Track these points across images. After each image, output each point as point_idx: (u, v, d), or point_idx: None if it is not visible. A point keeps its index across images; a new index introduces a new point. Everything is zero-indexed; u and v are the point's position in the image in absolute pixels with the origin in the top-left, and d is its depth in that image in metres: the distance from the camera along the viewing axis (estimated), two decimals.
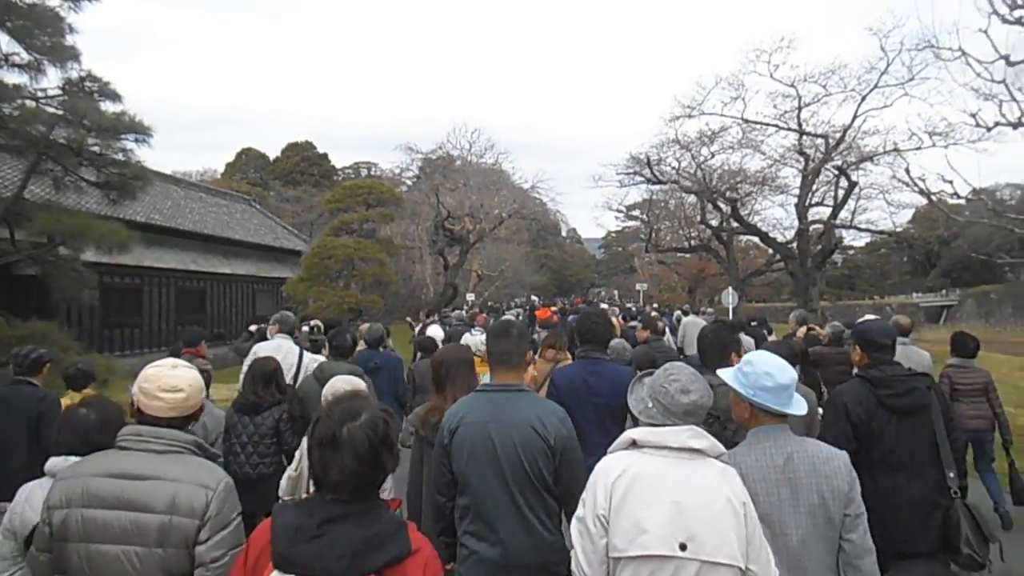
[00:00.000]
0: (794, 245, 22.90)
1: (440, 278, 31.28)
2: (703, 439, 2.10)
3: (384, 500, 1.76)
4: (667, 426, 2.12)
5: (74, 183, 7.74)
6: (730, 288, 21.89)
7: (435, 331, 8.37)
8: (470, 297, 33.56)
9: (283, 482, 3.39)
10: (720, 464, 2.11)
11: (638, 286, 41.24)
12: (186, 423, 2.27)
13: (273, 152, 57.65)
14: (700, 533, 1.97)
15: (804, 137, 21.21)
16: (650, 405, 2.19)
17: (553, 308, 19.82)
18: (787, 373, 2.36)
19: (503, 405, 2.71)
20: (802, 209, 21.73)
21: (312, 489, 1.79)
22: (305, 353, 5.67)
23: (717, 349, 3.49)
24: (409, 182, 32.28)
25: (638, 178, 25.12)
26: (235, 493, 2.19)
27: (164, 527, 2.02)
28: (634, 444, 2.15)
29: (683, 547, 1.96)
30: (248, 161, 57.76)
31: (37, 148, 6.89)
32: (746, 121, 21.94)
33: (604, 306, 24.15)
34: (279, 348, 5.47)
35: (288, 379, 5.15)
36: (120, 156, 7.49)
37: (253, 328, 7.54)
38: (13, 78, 7.70)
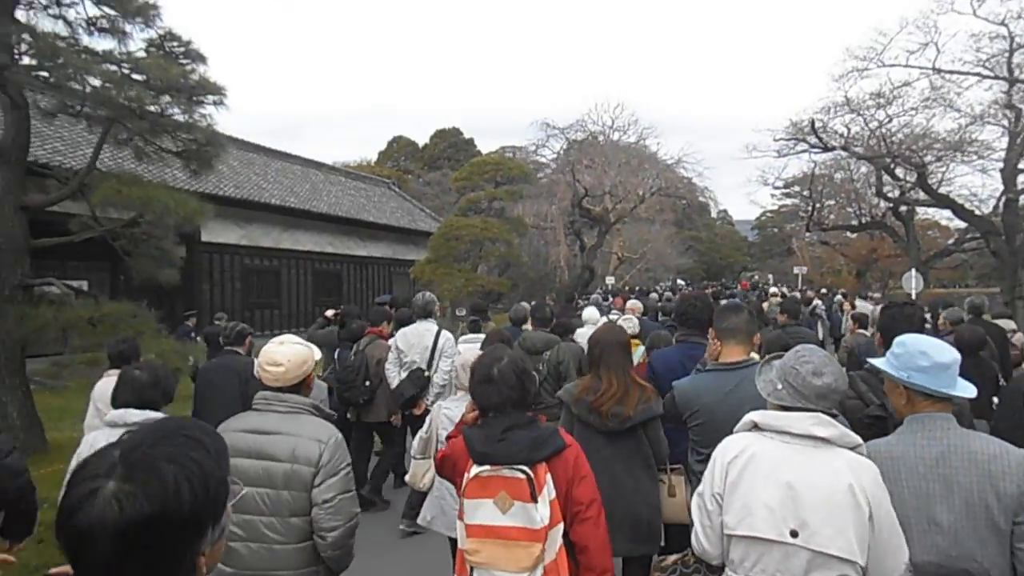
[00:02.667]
0: (998, 219, 19.07)
1: (576, 260, 29.80)
2: (829, 428, 2.03)
3: (537, 414, 2.47)
4: (795, 410, 2.08)
5: (156, 153, 7.14)
6: (912, 270, 18.59)
7: (591, 313, 8.34)
8: (610, 280, 31.82)
9: (415, 442, 3.75)
10: (850, 454, 2.01)
11: (796, 269, 37.22)
12: (299, 390, 2.66)
13: (423, 140, 58.80)
14: (814, 522, 1.94)
15: (1016, 87, 17.40)
16: (779, 387, 2.13)
17: (708, 291, 17.89)
18: (946, 352, 2.12)
19: (742, 380, 2.83)
20: (1010, 174, 17.93)
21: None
22: (444, 332, 5.90)
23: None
24: (544, 159, 30.85)
25: (800, 146, 22.00)
26: (344, 446, 2.59)
27: (287, 473, 2.47)
28: (756, 427, 2.13)
29: (794, 534, 1.95)
30: (399, 149, 59.33)
31: (114, 114, 6.27)
32: (938, 72, 18.38)
33: (773, 289, 21.54)
34: (417, 330, 5.81)
35: (425, 362, 5.67)
36: (199, 121, 6.75)
37: (330, 314, 6.62)
38: (103, 44, 7.18)
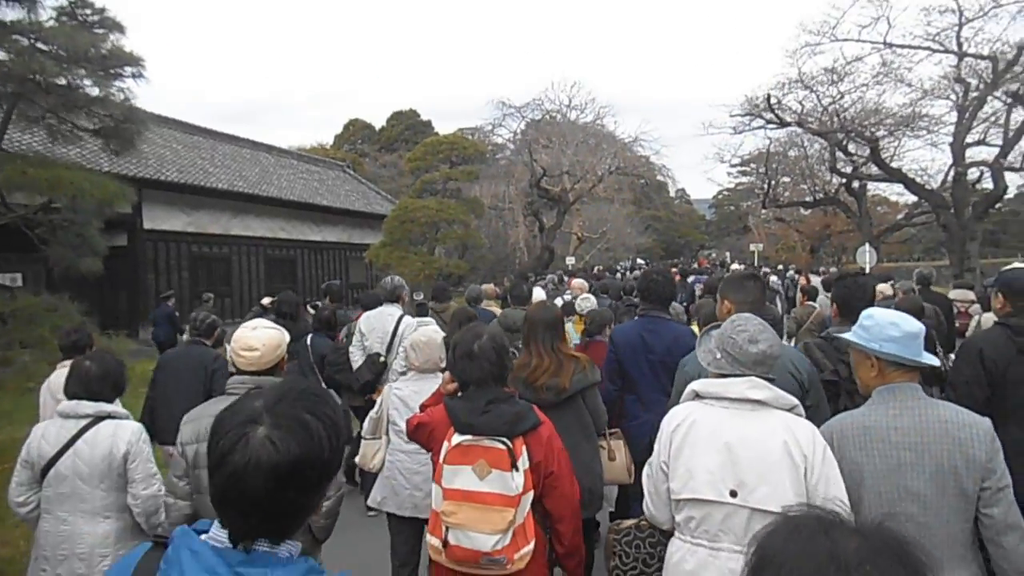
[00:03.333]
0: (947, 193, 19.41)
1: (536, 241, 29.56)
2: (764, 390, 2.11)
3: (512, 391, 2.68)
4: (732, 377, 2.14)
5: (71, 132, 6.59)
6: (866, 245, 18.84)
7: (538, 293, 8.33)
8: (570, 261, 31.64)
9: (365, 423, 3.72)
10: (787, 415, 2.11)
11: (752, 246, 37.67)
12: (273, 373, 2.70)
13: (379, 122, 57.54)
14: (750, 480, 2.01)
15: (964, 61, 17.63)
16: (718, 356, 2.19)
17: (673, 268, 17.82)
18: (913, 322, 2.18)
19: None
20: (958, 149, 18.22)
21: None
22: (406, 317, 5.68)
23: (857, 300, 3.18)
24: (501, 139, 30.31)
25: (756, 122, 22.05)
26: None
27: None
28: (697, 396, 2.22)
29: (733, 493, 2.03)
30: (355, 132, 57.85)
31: (19, 88, 5.71)
32: (889, 46, 18.52)
33: (736, 266, 21.56)
34: (381, 314, 5.60)
35: (385, 343, 5.44)
36: (114, 95, 6.22)
37: (266, 302, 6.25)
38: (11, 14, 6.58)
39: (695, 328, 4.86)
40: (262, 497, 1.07)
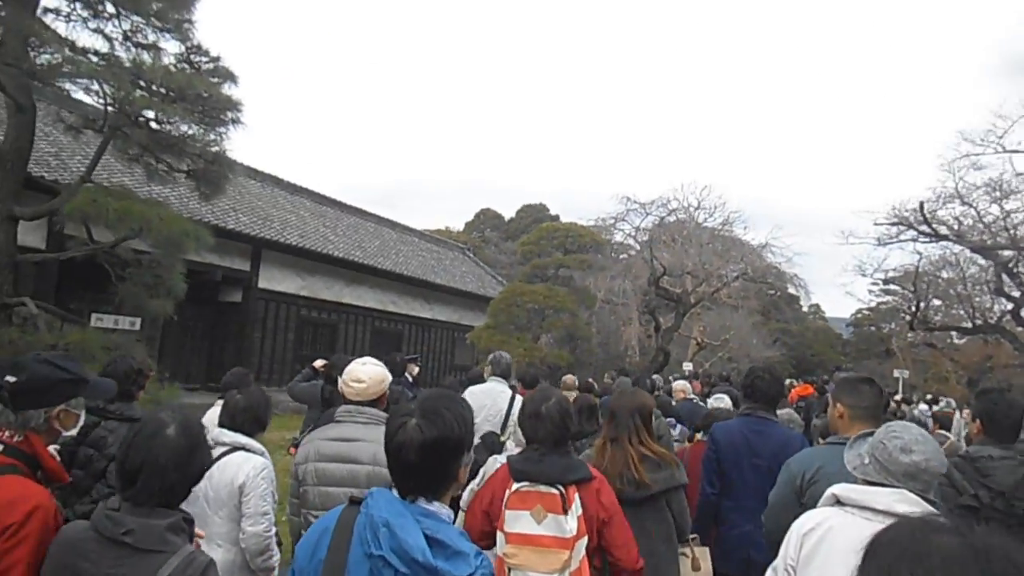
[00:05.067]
0: None
1: (651, 342, 28.10)
2: (914, 506, 1.93)
3: (570, 449, 2.88)
4: (881, 486, 2.02)
5: (167, 173, 6.54)
6: None
7: (682, 384, 8.59)
8: (687, 367, 29.75)
9: (465, 494, 3.67)
10: None
11: (896, 372, 33.74)
12: (376, 404, 2.99)
13: (509, 214, 59.26)
14: None
15: None
16: (866, 461, 2.14)
17: (812, 385, 16.13)
18: None
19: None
20: None
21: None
22: (517, 396, 5.48)
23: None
24: (623, 234, 29.53)
25: (904, 235, 20.05)
26: None
27: (370, 474, 2.78)
28: (837, 501, 2.10)
29: None
30: (485, 221, 59.89)
31: (115, 122, 5.69)
32: None
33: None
34: (491, 391, 5.43)
35: (498, 424, 5.27)
36: (210, 139, 6.11)
37: (318, 364, 5.64)
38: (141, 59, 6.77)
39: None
40: (415, 464, 1.60)
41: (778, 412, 4.72)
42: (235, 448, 3.08)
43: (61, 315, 6.71)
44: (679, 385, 8.96)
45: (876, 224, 20.11)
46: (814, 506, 2.74)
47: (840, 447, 2.87)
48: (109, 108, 5.76)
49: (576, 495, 2.64)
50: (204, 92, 5.82)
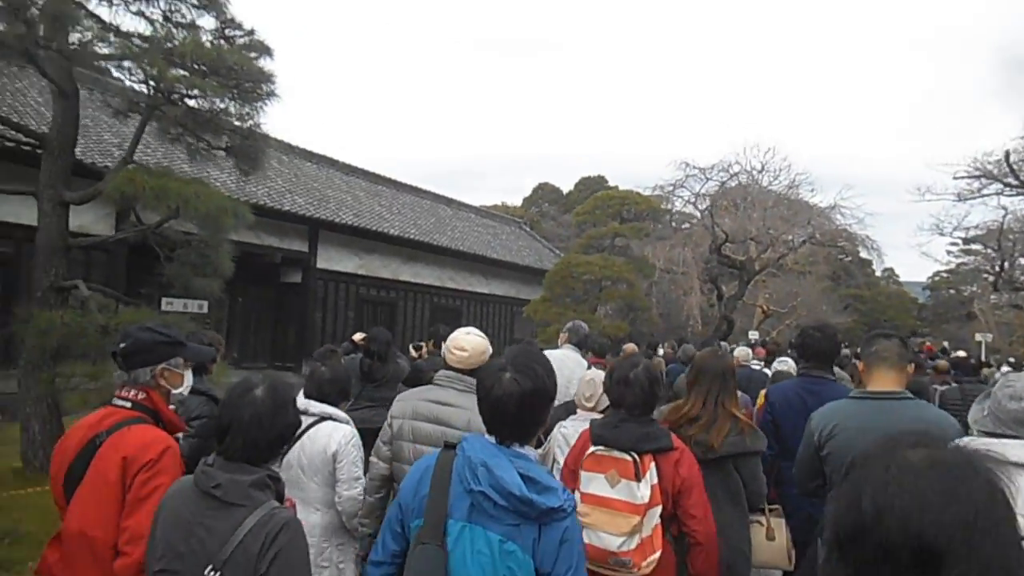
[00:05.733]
0: None
1: (714, 311, 27.35)
2: None
3: (654, 418, 2.89)
4: (999, 436, 2.05)
5: (207, 151, 6.54)
6: None
7: (743, 350, 8.50)
8: (753, 336, 28.83)
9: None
10: None
11: (978, 336, 31.99)
12: (475, 374, 2.76)
13: (568, 187, 58.53)
14: None
15: None
16: (984, 413, 2.16)
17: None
18: None
19: (891, 412, 2.75)
20: None
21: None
22: (594, 368, 5.22)
23: None
24: (681, 201, 28.57)
25: (988, 187, 18.73)
26: None
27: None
28: None
29: None
30: (543, 195, 59.37)
31: (151, 102, 5.69)
32: None
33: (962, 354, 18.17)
34: (565, 358, 5.27)
35: (571, 393, 5.09)
36: (249, 119, 6.06)
37: (358, 338, 5.57)
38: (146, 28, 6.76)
39: None
40: (512, 413, 1.80)
41: (835, 371, 4.56)
42: (323, 418, 3.23)
43: (117, 297, 6.84)
44: (739, 352, 8.83)
45: (955, 178, 18.88)
46: (833, 461, 2.82)
47: (862, 401, 2.91)
48: (145, 88, 5.76)
49: (652, 464, 2.67)
50: (234, 65, 5.74)
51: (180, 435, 3.27)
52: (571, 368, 5.26)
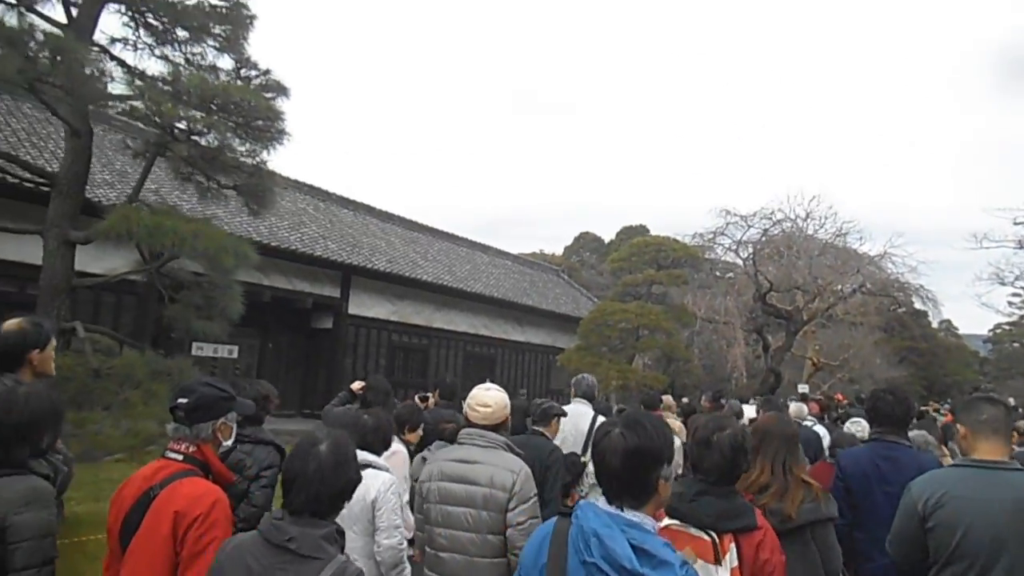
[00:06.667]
0: None
1: (760, 362, 26.29)
2: None
3: (736, 489, 2.56)
4: None
5: (217, 190, 6.39)
6: None
7: (748, 410, 8.21)
8: (803, 388, 27.56)
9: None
10: None
11: None
12: (497, 429, 3.13)
13: (609, 236, 58.43)
14: None
15: None
16: None
17: (951, 413, 14.45)
18: None
19: (1002, 484, 2.64)
20: None
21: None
22: (598, 417, 5.38)
23: None
24: (722, 248, 27.76)
25: None
26: (532, 478, 3.03)
27: (486, 496, 2.91)
28: None
29: None
30: (584, 244, 59.40)
31: (159, 139, 5.58)
32: None
33: None
34: (573, 411, 5.33)
35: (579, 447, 5.25)
36: (257, 157, 5.92)
37: (356, 386, 5.21)
38: (156, 68, 6.76)
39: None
40: (616, 468, 1.76)
41: (911, 434, 4.41)
42: (364, 465, 3.16)
43: (120, 340, 6.66)
44: (793, 409, 8.24)
45: (1016, 224, 17.79)
46: (940, 533, 2.64)
47: (969, 470, 2.76)
48: (151, 126, 5.68)
49: (732, 544, 2.38)
50: (240, 100, 5.61)
51: (253, 486, 3.56)
52: (575, 421, 5.32)
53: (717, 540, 2.36)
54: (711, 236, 27.94)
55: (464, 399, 7.65)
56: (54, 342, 2.94)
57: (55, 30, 5.75)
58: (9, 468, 2.13)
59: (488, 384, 3.28)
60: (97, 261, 8.82)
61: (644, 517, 1.76)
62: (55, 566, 2.18)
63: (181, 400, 2.43)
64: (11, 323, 2.83)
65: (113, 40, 6.79)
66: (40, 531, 2.08)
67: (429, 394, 6.25)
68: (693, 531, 2.41)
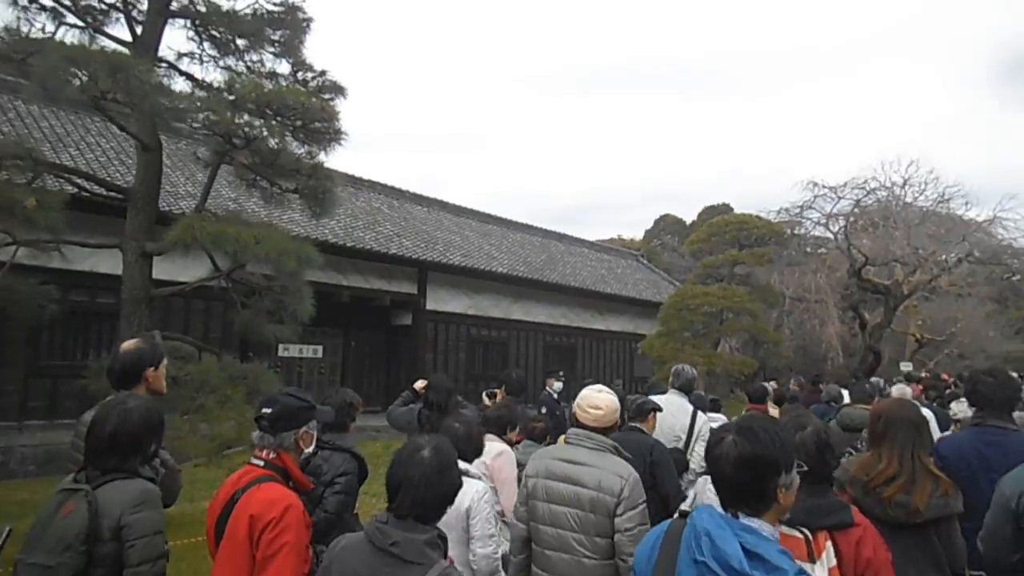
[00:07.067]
0: None
1: (856, 341, 24.91)
2: None
3: (833, 488, 2.54)
4: None
5: (280, 194, 6.46)
6: None
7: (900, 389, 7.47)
8: (906, 367, 25.92)
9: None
10: None
11: None
12: (606, 432, 3.14)
13: (691, 217, 56.88)
14: None
15: None
16: None
17: None
18: None
19: None
20: None
21: None
22: (699, 413, 5.26)
23: None
24: (810, 222, 26.28)
25: None
26: (640, 484, 2.99)
27: (593, 499, 2.91)
28: None
29: None
30: (665, 227, 57.94)
31: (220, 147, 5.68)
32: None
33: None
34: (668, 403, 5.05)
35: (682, 441, 5.10)
36: (315, 158, 5.93)
37: (419, 386, 5.12)
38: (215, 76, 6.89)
39: None
40: (728, 475, 1.75)
41: (1015, 415, 4.05)
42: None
43: (199, 346, 6.85)
44: (895, 390, 7.64)
45: None
46: None
47: None
48: (212, 134, 5.78)
49: (828, 543, 2.30)
50: (295, 104, 5.62)
51: (327, 492, 3.55)
52: (672, 414, 5.03)
53: (811, 538, 2.28)
54: (798, 211, 26.64)
55: (532, 392, 7.47)
56: (166, 360, 3.10)
57: (121, 48, 5.94)
58: (124, 473, 2.33)
59: (598, 385, 3.28)
60: (184, 270, 9.20)
61: (762, 524, 1.75)
62: (167, 561, 2.37)
63: (264, 410, 2.55)
64: (129, 343, 3.02)
65: (180, 55, 6.97)
66: (152, 529, 2.26)
67: (496, 390, 6.11)
68: (786, 529, 2.32)
